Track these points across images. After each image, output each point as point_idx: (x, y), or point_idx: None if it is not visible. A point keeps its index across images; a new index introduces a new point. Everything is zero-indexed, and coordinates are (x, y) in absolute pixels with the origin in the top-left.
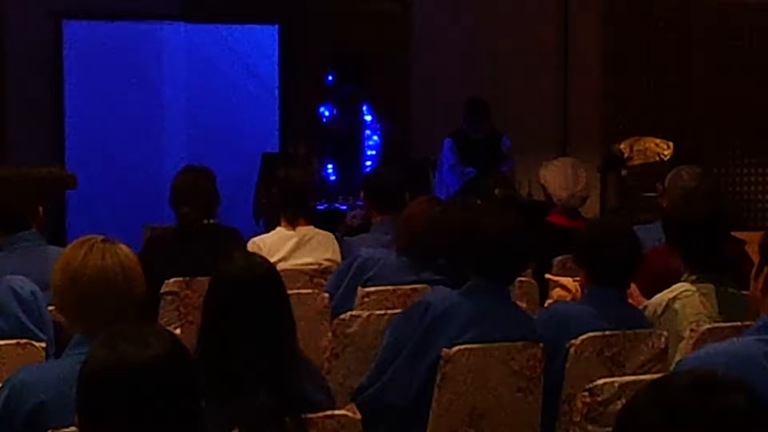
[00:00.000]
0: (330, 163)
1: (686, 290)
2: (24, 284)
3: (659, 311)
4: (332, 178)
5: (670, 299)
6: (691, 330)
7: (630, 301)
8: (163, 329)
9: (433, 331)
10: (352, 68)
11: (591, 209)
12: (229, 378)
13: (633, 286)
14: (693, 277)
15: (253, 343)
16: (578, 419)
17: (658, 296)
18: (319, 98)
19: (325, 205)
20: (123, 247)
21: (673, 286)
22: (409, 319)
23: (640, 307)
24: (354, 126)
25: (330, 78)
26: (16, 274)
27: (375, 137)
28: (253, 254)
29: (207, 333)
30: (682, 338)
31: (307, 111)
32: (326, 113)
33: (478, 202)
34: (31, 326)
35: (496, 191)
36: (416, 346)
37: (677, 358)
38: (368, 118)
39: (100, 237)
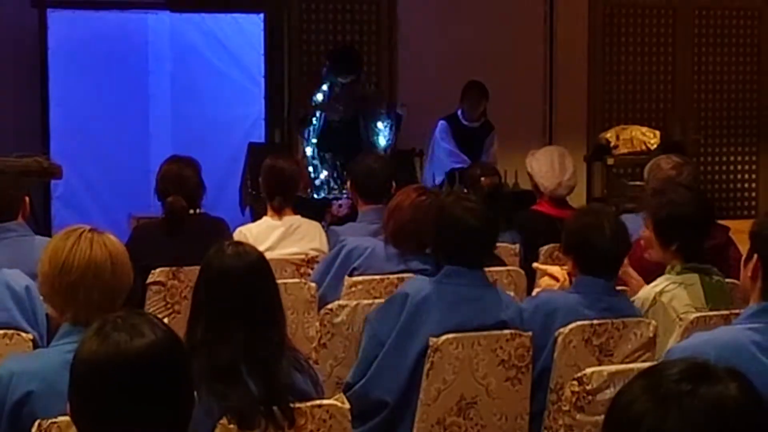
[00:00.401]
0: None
1: (671, 283)
2: (19, 279)
3: (646, 306)
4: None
5: (657, 293)
6: (680, 319)
7: (625, 271)
8: (156, 318)
9: (414, 322)
10: (349, 60)
11: (577, 198)
12: (218, 368)
13: (626, 262)
14: (678, 269)
15: (243, 332)
16: (567, 408)
17: (643, 291)
18: (312, 90)
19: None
20: (111, 236)
21: (658, 280)
22: (387, 313)
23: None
24: (353, 120)
25: (324, 70)
26: (2, 266)
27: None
28: (243, 243)
29: (196, 323)
30: (672, 332)
31: (299, 102)
32: (320, 95)
33: (465, 191)
34: (23, 322)
35: (483, 180)
36: (398, 339)
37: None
38: (382, 126)
39: (88, 227)
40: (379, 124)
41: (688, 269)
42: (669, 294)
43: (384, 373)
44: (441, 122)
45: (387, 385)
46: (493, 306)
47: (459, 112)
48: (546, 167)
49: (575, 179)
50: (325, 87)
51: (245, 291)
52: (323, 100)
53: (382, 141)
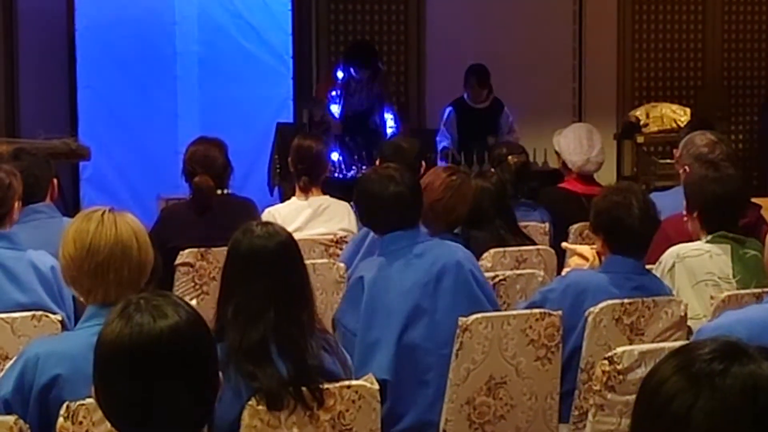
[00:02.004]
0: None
1: (697, 249)
2: (44, 258)
3: (668, 267)
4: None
5: (680, 255)
6: (711, 297)
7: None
8: (180, 299)
9: (377, 298)
10: (362, 56)
11: (607, 176)
12: (249, 348)
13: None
14: (709, 238)
15: (273, 312)
16: (598, 387)
17: (668, 252)
18: (328, 87)
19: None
20: (130, 216)
21: (687, 244)
22: (349, 303)
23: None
24: (371, 110)
25: (342, 68)
26: (31, 247)
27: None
28: (271, 223)
29: (227, 303)
30: (688, 296)
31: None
32: (336, 108)
33: (492, 170)
34: (50, 301)
35: (510, 158)
36: (368, 319)
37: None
38: (390, 117)
39: (107, 207)
40: (387, 115)
41: (719, 237)
42: (692, 259)
43: (368, 354)
44: (448, 109)
45: (376, 365)
46: (443, 252)
47: (465, 95)
48: (574, 144)
49: (603, 155)
50: (337, 105)
51: (275, 271)
52: (340, 113)
53: (389, 130)
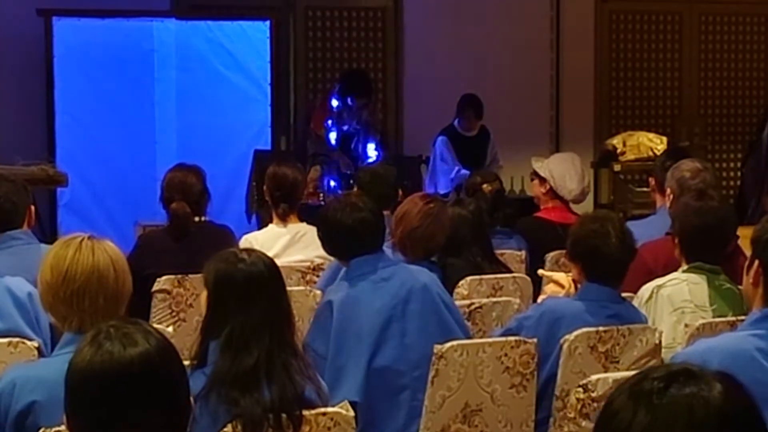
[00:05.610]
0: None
1: (675, 278)
2: (21, 285)
3: (645, 297)
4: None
5: (657, 286)
6: (686, 325)
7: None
8: (150, 327)
9: (347, 321)
10: (360, 85)
11: (584, 205)
12: (240, 374)
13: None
14: (685, 267)
15: (268, 338)
16: (572, 415)
17: (645, 285)
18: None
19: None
20: (110, 243)
21: (663, 277)
22: (318, 327)
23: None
24: (353, 136)
25: (336, 96)
26: (7, 274)
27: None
28: (254, 250)
29: (217, 331)
30: (667, 322)
31: (304, 117)
32: (333, 135)
33: (467, 198)
34: (26, 328)
35: (484, 187)
36: (338, 342)
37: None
38: (371, 147)
39: (86, 234)
40: (369, 145)
41: (694, 268)
42: (669, 288)
43: (338, 376)
44: (441, 138)
45: (347, 386)
46: (408, 277)
47: (456, 122)
48: (570, 172)
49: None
50: (335, 132)
51: (271, 295)
52: (336, 140)
53: (370, 159)
